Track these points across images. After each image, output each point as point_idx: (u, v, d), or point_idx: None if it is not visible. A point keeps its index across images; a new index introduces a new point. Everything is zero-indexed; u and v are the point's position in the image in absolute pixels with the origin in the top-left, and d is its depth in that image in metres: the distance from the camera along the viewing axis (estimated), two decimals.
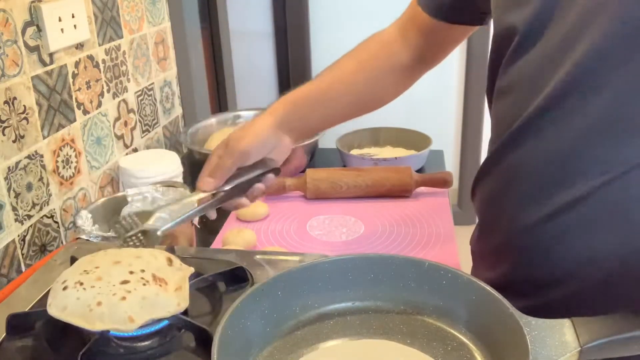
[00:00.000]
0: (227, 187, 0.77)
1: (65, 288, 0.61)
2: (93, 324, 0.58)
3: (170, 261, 0.66)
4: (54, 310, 0.60)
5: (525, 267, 0.66)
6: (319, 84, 0.85)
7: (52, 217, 1.04)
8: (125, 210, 0.94)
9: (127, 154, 1.28)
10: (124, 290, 0.60)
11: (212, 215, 0.79)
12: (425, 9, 0.80)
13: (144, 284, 0.61)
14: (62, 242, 1.07)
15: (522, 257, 0.66)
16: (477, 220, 0.78)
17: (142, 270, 0.62)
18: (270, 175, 0.80)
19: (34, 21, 0.97)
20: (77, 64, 1.09)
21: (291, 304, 0.62)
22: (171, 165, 1.14)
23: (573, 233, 0.60)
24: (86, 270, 0.63)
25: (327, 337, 0.60)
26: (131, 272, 0.62)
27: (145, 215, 0.73)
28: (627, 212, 0.57)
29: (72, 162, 1.09)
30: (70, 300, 0.60)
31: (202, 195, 0.76)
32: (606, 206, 0.58)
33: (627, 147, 0.56)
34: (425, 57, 0.85)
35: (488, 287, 0.58)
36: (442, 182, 1.17)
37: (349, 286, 0.64)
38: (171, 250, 0.74)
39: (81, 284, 0.61)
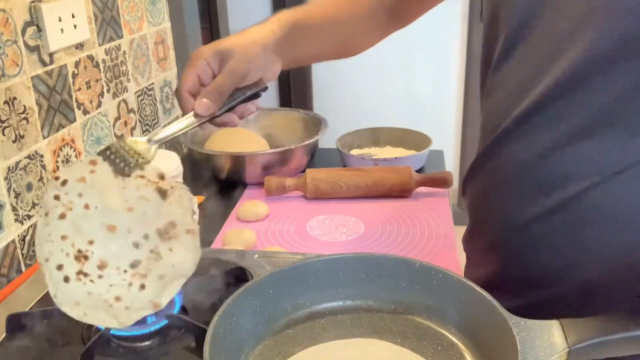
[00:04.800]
0: (222, 111, 0.72)
1: (67, 279, 0.55)
2: (120, 322, 0.55)
3: (163, 194, 0.59)
4: (67, 308, 0.56)
5: (514, 267, 0.66)
6: (310, 16, 0.81)
7: None
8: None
9: None
10: (138, 276, 0.55)
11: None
12: None
13: (156, 259, 0.55)
14: None
15: (512, 257, 0.66)
16: None
17: (146, 237, 0.56)
18: (259, 95, 0.77)
19: (34, 21, 0.97)
20: (77, 64, 1.09)
21: (282, 303, 0.62)
22: (171, 165, 1.15)
23: (561, 234, 0.60)
24: (80, 251, 0.56)
25: (318, 335, 0.61)
26: (136, 245, 0.55)
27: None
28: (614, 214, 0.57)
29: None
30: (80, 295, 0.55)
31: (194, 118, 0.71)
32: (594, 208, 0.58)
33: (615, 150, 0.56)
34: (402, 13, 0.85)
35: (478, 288, 0.58)
36: (442, 182, 1.17)
37: (340, 285, 0.64)
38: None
39: (85, 274, 0.55)
